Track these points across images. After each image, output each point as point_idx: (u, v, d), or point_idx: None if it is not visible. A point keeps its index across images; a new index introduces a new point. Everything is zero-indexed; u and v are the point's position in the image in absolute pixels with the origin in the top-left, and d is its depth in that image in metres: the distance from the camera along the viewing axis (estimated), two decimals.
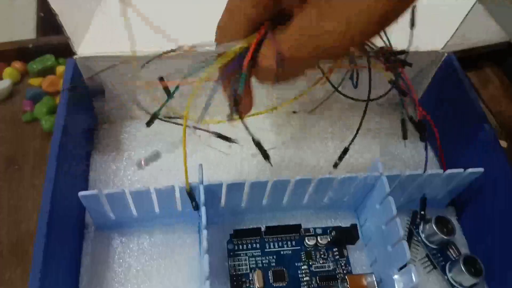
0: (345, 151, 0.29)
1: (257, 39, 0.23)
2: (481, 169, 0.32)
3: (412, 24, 0.33)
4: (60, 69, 0.47)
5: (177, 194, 0.30)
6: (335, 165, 0.29)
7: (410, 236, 0.34)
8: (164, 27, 0.37)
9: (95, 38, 0.36)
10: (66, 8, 0.34)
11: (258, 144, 0.27)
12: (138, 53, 0.34)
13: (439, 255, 0.33)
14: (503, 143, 0.44)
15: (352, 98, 0.35)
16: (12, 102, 0.45)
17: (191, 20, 0.38)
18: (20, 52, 0.48)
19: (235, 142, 0.28)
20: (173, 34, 0.36)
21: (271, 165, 0.29)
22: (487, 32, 0.53)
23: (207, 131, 0.32)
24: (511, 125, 0.46)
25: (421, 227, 0.34)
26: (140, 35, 0.36)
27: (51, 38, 0.50)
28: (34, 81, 0.46)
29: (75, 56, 0.34)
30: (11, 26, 0.56)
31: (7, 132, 0.43)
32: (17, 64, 0.47)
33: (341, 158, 0.29)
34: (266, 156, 0.27)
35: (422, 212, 0.34)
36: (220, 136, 0.28)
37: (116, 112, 0.39)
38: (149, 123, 0.29)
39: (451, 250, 0.34)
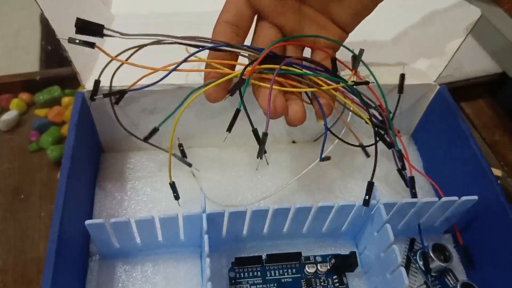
0: (370, 185, 0.31)
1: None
2: (475, 197, 0.33)
3: (400, 91, 0.37)
4: (66, 100, 0.48)
5: (180, 223, 0.31)
6: (366, 203, 0.31)
7: (408, 263, 0.35)
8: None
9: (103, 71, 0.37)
10: (75, 44, 0.35)
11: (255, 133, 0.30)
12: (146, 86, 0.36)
13: (437, 282, 0.34)
14: (498, 172, 0.45)
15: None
16: (19, 132, 0.46)
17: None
18: (26, 84, 0.50)
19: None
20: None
21: (267, 162, 0.30)
22: (480, 64, 0.55)
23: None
24: (505, 154, 0.47)
25: (418, 254, 0.35)
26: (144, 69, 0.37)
27: (58, 70, 0.52)
28: (40, 112, 0.48)
29: (83, 90, 0.35)
30: (16, 58, 0.58)
31: (14, 162, 0.44)
32: (24, 96, 0.49)
33: (368, 194, 0.31)
34: (262, 149, 0.29)
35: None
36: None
37: (121, 142, 0.40)
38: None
39: (448, 277, 0.34)
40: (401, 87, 0.38)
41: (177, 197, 0.34)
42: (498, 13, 0.61)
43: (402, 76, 0.38)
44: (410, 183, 0.34)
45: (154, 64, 0.34)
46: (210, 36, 0.31)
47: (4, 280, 0.36)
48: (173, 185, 0.33)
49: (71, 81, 0.49)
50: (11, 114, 0.47)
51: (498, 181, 0.43)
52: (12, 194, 0.41)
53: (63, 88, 0.49)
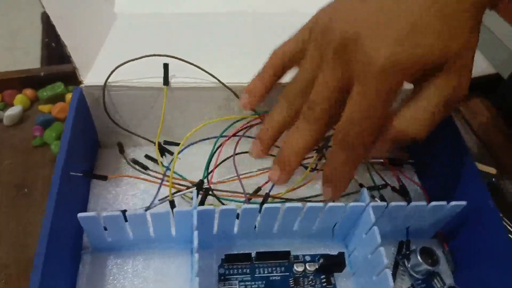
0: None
1: None
2: (464, 202, 0.33)
3: None
4: (69, 96, 0.49)
5: (172, 219, 0.31)
6: None
7: (396, 266, 0.35)
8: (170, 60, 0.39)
9: (102, 68, 0.38)
10: (75, 40, 0.36)
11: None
12: (142, 83, 0.37)
13: (424, 285, 0.34)
14: (493, 170, 0.45)
15: None
16: (22, 128, 0.47)
17: (200, 54, 0.40)
18: (30, 80, 0.50)
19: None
20: (178, 66, 0.38)
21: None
22: (475, 65, 0.55)
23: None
24: (500, 154, 0.48)
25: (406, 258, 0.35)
26: (146, 66, 0.38)
27: (61, 66, 0.52)
28: (44, 108, 0.49)
29: (81, 85, 0.36)
30: (17, 55, 0.59)
31: (17, 157, 0.44)
32: (28, 91, 0.50)
33: None
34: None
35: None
36: None
37: (117, 139, 0.40)
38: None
39: (436, 281, 0.35)
40: None
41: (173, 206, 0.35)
42: (493, 15, 0.61)
43: None
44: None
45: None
46: None
47: (7, 275, 0.36)
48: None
49: (74, 77, 0.49)
50: (15, 110, 0.47)
51: (493, 179, 0.44)
52: (15, 189, 0.41)
53: (67, 84, 0.50)
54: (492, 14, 0.58)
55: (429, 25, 0.25)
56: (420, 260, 0.34)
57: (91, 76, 0.37)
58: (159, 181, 0.36)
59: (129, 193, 0.38)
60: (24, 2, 0.33)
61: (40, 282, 0.26)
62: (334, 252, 0.35)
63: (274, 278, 0.33)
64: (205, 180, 0.36)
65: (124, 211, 0.31)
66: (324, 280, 0.34)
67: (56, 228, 0.29)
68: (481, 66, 0.54)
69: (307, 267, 0.34)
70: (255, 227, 0.34)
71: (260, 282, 0.33)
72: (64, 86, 0.50)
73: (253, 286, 0.33)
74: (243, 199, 0.36)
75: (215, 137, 0.37)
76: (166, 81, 0.37)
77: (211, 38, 0.44)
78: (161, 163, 0.38)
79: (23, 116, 0.48)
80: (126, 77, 0.37)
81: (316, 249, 0.36)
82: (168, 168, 0.36)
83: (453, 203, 0.33)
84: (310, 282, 0.34)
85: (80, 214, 0.30)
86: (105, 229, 0.32)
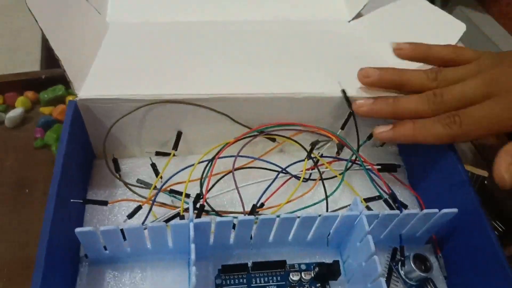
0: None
1: None
2: (455, 210, 0.34)
3: (343, 127, 0.40)
4: (70, 98, 0.49)
5: (168, 231, 0.32)
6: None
7: (390, 273, 0.36)
8: (163, 72, 0.40)
9: (96, 80, 0.38)
10: (68, 52, 0.36)
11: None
12: (137, 96, 0.37)
13: None
14: (485, 173, 0.46)
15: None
16: (24, 130, 0.48)
17: (192, 67, 0.40)
18: (31, 82, 0.51)
19: None
20: (171, 79, 0.39)
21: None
22: None
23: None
24: (492, 156, 0.48)
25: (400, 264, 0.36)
26: (141, 79, 0.38)
27: (62, 70, 0.53)
28: (45, 110, 0.49)
29: (76, 98, 0.36)
30: (17, 56, 0.59)
31: (19, 158, 0.45)
32: (29, 94, 0.50)
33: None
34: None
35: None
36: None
37: (113, 149, 0.41)
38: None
39: (429, 287, 0.35)
40: (344, 125, 0.40)
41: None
42: (488, 20, 0.62)
43: (350, 113, 0.39)
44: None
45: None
46: None
47: (10, 273, 0.37)
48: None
49: None
50: (16, 112, 0.48)
51: (485, 182, 0.45)
52: (17, 189, 0.42)
53: (67, 87, 0.50)
54: (486, 18, 0.59)
55: None
56: (414, 267, 0.34)
57: (85, 89, 0.37)
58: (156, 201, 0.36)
59: (124, 205, 0.38)
60: (24, 3, 0.33)
61: None
62: (328, 259, 0.36)
63: (270, 287, 0.34)
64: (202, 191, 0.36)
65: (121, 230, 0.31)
66: None
67: (53, 241, 0.29)
68: None
69: (303, 275, 0.34)
70: (251, 238, 0.34)
71: None
72: (65, 88, 0.51)
73: None
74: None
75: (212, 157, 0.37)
76: (176, 146, 0.39)
77: (205, 47, 0.44)
78: (155, 185, 0.38)
79: (24, 118, 0.49)
80: (120, 89, 0.37)
81: (311, 257, 0.36)
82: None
83: (444, 210, 0.33)
84: None
85: (77, 229, 0.30)
86: (105, 248, 0.32)
